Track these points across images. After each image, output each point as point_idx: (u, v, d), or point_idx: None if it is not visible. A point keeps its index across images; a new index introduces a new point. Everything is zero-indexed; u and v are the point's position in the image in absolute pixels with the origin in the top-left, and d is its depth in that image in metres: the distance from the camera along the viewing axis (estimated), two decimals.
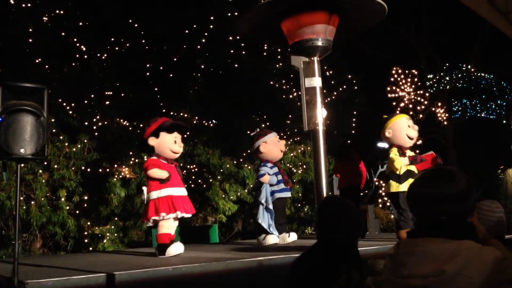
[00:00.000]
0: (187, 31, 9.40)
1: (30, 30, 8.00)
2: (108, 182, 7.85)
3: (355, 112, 11.41)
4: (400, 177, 6.22)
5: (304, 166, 10.06)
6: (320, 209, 2.72)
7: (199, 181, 9.05)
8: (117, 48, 8.92)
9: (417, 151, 7.09)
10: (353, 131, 11.28)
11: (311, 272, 2.43)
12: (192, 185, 8.98)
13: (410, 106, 13.52)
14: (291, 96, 10.14)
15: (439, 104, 15.50)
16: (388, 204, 13.53)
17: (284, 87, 10.16)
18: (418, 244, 1.73)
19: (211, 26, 9.46)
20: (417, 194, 1.80)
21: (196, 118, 9.17)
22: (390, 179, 6.31)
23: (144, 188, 5.60)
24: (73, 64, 8.36)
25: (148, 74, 9.24)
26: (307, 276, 2.44)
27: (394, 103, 13.33)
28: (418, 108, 13.63)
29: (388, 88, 13.37)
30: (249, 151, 7.35)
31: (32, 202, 7.39)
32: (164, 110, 8.95)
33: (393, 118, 6.58)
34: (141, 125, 8.19)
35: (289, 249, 5.62)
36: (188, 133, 6.04)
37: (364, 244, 5.52)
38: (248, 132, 7.05)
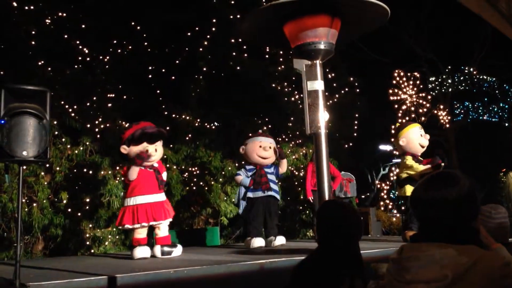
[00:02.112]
0: (189, 34, 9.41)
1: (33, 32, 8.01)
2: (110, 185, 7.85)
3: (357, 115, 11.40)
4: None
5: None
6: (319, 213, 2.69)
7: (201, 183, 9.05)
8: (119, 51, 8.93)
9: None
10: (355, 134, 11.27)
11: (312, 278, 2.41)
12: (194, 188, 8.97)
13: (412, 108, 13.50)
14: (292, 99, 10.14)
15: (441, 106, 15.48)
16: (390, 207, 13.51)
17: (286, 89, 10.16)
18: (421, 248, 1.72)
19: (213, 29, 9.47)
20: (420, 198, 1.79)
21: (198, 120, 9.18)
22: (408, 183, 6.77)
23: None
24: (76, 66, 8.36)
25: (150, 76, 9.25)
26: (309, 282, 2.42)
27: (396, 106, 13.30)
28: (420, 110, 13.62)
29: (390, 91, 13.35)
30: None
31: (34, 204, 7.38)
32: (166, 113, 8.96)
33: (407, 128, 7.04)
34: None
35: (290, 252, 5.62)
36: (165, 136, 6.13)
37: (366, 247, 5.51)
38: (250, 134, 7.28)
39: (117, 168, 8.02)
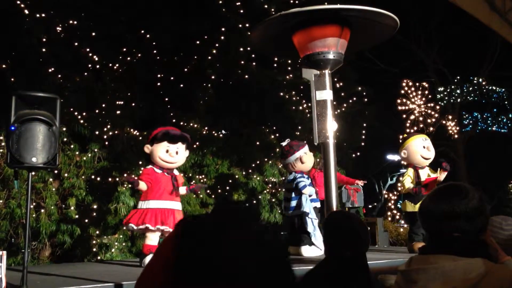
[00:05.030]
0: (198, 42, 9.46)
1: (44, 40, 8.08)
2: (117, 191, 7.87)
3: (364, 124, 11.37)
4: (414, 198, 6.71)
5: None
6: (326, 224, 2.68)
7: (208, 191, 9.05)
8: (128, 59, 8.98)
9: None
10: (362, 143, 11.24)
11: None
12: (201, 196, 8.98)
13: (421, 118, 13.44)
14: (300, 108, 10.14)
15: (450, 117, 15.40)
16: (397, 217, 13.43)
17: (294, 98, 10.17)
18: (430, 261, 1.71)
19: (222, 38, 9.51)
20: (429, 210, 1.78)
21: (206, 128, 9.20)
22: (406, 198, 6.87)
23: None
24: (85, 74, 8.43)
25: (158, 84, 9.29)
26: None
27: (404, 116, 13.25)
28: (429, 121, 13.54)
29: (398, 101, 13.31)
30: (283, 161, 6.96)
31: (42, 211, 7.41)
32: (174, 121, 8.99)
33: (409, 140, 6.95)
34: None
35: (298, 262, 5.59)
36: (188, 141, 6.21)
37: (373, 258, 5.47)
38: (282, 143, 6.98)
39: (125, 175, 8.04)
